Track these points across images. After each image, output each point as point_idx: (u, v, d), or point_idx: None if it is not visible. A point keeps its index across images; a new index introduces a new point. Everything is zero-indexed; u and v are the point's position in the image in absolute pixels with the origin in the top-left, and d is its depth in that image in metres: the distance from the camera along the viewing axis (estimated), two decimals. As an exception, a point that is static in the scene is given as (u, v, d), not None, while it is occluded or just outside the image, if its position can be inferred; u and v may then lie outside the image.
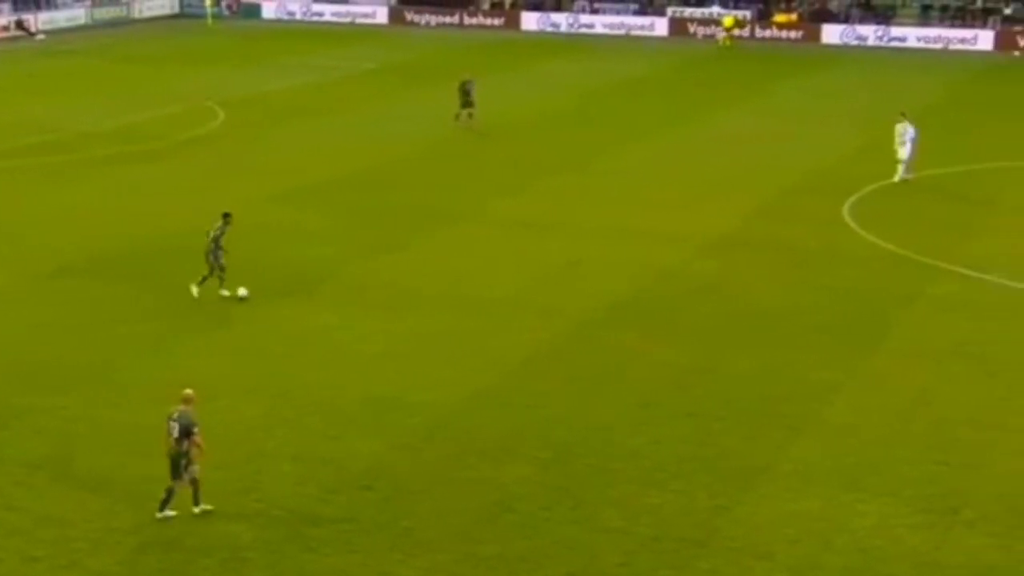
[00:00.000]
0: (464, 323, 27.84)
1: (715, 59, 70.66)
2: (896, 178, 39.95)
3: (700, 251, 33.06)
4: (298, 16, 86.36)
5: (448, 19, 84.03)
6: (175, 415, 19.07)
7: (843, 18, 79.51)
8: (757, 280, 30.83)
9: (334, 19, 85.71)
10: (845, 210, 37.10)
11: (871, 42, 76.46)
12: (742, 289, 30.16)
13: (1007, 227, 35.81)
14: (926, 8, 79.80)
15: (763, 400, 23.69)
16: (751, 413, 23.11)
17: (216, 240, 28.58)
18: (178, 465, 19.03)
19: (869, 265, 32.07)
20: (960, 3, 79.08)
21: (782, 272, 31.50)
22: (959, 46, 74.66)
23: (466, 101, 48.74)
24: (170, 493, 19.14)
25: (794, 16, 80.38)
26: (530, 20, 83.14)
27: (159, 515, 19.18)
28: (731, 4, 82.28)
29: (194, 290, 28.78)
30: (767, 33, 78.91)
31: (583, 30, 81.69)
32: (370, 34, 79.80)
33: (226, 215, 28.96)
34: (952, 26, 77.16)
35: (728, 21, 77.06)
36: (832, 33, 77.35)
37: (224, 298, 28.70)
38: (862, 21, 79.11)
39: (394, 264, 32.08)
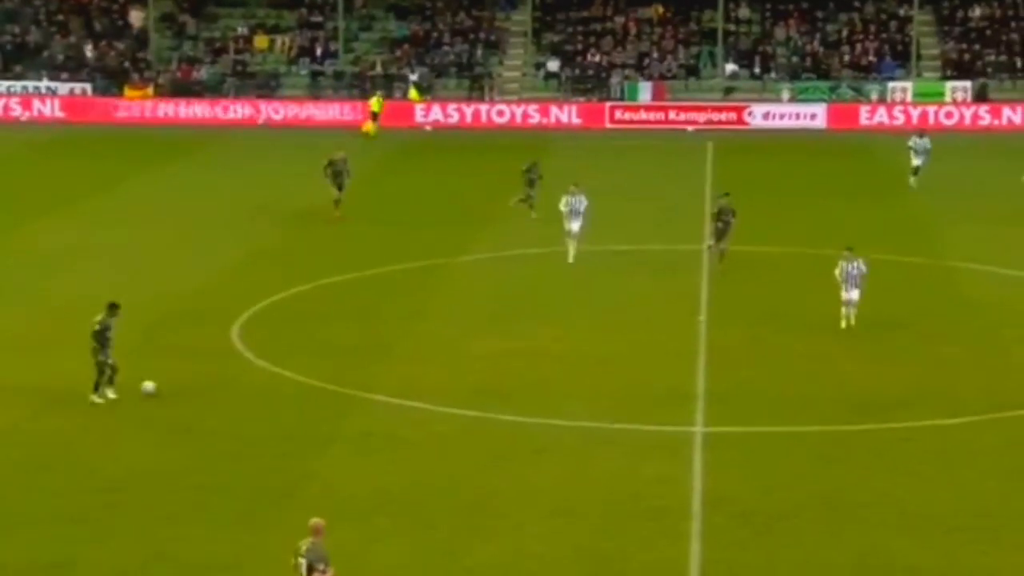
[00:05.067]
0: None
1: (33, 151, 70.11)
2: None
3: (45, 407, 32.33)
4: None
5: None
6: (303, 549, 20.34)
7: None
8: (123, 438, 30.45)
9: None
10: (234, 335, 37.65)
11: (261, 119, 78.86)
12: (103, 451, 29.68)
13: (427, 342, 37.59)
14: (316, 75, 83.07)
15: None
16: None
17: (102, 334, 31.96)
18: None
19: (271, 403, 32.58)
20: (356, 69, 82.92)
21: (158, 424, 31.30)
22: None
23: None
24: None
25: (149, 89, 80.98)
26: None
27: None
28: (45, 76, 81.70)
29: (95, 398, 32.03)
30: (121, 114, 79.45)
31: None
32: None
33: (112, 305, 32.45)
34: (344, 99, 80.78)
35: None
36: (202, 109, 78.80)
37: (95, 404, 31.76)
38: (239, 93, 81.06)
39: None
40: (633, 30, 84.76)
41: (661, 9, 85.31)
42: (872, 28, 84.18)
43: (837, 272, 37.49)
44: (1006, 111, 77.80)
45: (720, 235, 44.07)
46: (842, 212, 54.65)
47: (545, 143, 72.04)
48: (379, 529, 25.80)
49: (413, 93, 79.88)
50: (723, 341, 37.36)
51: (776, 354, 36.55)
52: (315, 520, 20.72)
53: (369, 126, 75.44)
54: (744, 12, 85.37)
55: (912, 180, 58.48)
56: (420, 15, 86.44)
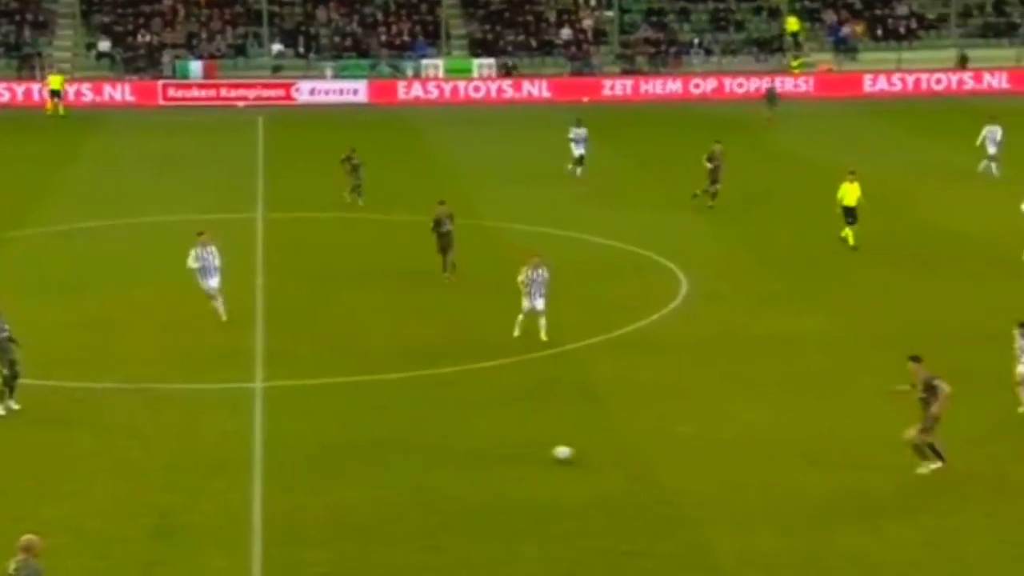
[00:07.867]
0: None
1: None
2: None
3: None
4: None
5: None
6: (12, 568, 17.98)
7: None
8: None
9: None
10: None
11: None
12: None
13: None
14: None
15: None
16: None
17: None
18: None
19: None
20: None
21: None
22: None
23: None
24: None
25: None
26: None
27: None
28: None
29: (13, 405, 29.04)
30: None
31: None
32: None
33: None
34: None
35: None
36: None
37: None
38: None
39: None
40: (182, 12, 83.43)
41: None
42: (405, 10, 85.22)
43: (520, 279, 33.92)
44: (525, 84, 79.89)
45: (445, 247, 39.20)
46: (397, 180, 55.09)
47: (100, 121, 70.44)
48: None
49: None
50: (280, 302, 37.29)
51: (330, 311, 36.67)
52: (28, 537, 18.40)
53: (50, 105, 73.06)
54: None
55: (578, 170, 54.54)
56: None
